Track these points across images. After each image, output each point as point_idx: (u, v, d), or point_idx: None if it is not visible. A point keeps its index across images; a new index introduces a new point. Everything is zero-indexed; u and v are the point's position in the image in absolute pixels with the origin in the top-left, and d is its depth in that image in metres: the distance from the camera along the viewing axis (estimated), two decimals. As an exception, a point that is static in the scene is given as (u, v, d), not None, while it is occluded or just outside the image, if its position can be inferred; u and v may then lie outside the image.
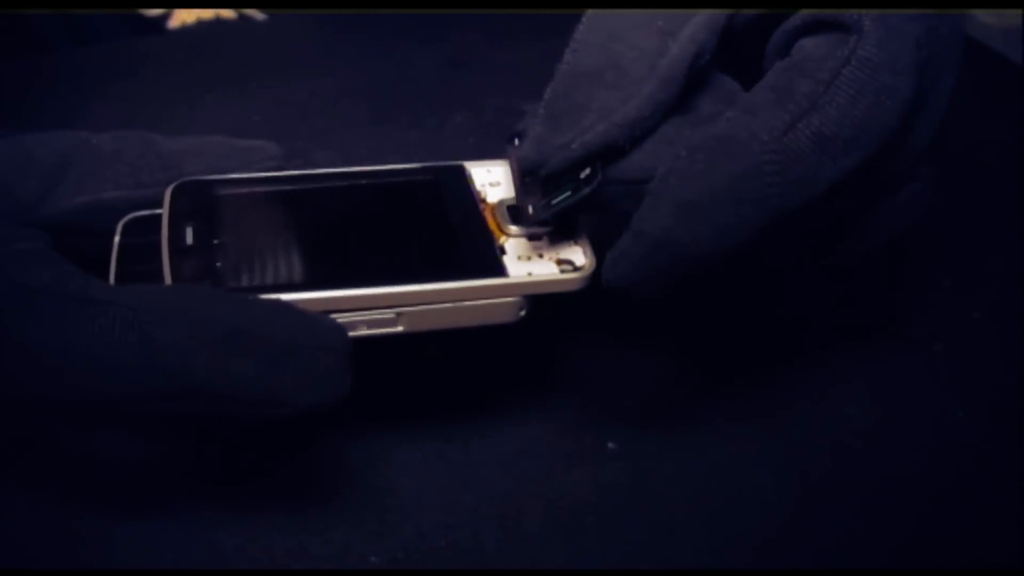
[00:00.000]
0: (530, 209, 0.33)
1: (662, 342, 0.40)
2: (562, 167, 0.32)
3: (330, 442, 0.36)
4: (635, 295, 0.31)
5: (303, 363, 0.29)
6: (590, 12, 0.33)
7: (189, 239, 0.32)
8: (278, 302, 0.30)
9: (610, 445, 0.37)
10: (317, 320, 0.29)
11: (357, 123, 0.53)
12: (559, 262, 0.33)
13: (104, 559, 0.32)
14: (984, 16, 0.69)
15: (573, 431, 0.37)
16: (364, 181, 0.35)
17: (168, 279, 0.30)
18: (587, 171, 0.32)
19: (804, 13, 0.32)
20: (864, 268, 0.45)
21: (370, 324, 0.31)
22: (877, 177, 0.32)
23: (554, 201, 0.32)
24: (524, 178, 0.33)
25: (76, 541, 0.33)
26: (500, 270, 0.32)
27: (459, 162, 0.36)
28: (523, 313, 0.32)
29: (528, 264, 0.33)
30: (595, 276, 0.32)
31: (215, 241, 0.32)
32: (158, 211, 0.33)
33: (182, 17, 0.65)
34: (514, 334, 0.33)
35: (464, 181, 0.35)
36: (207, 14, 0.65)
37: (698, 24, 0.32)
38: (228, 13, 0.65)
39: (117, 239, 0.33)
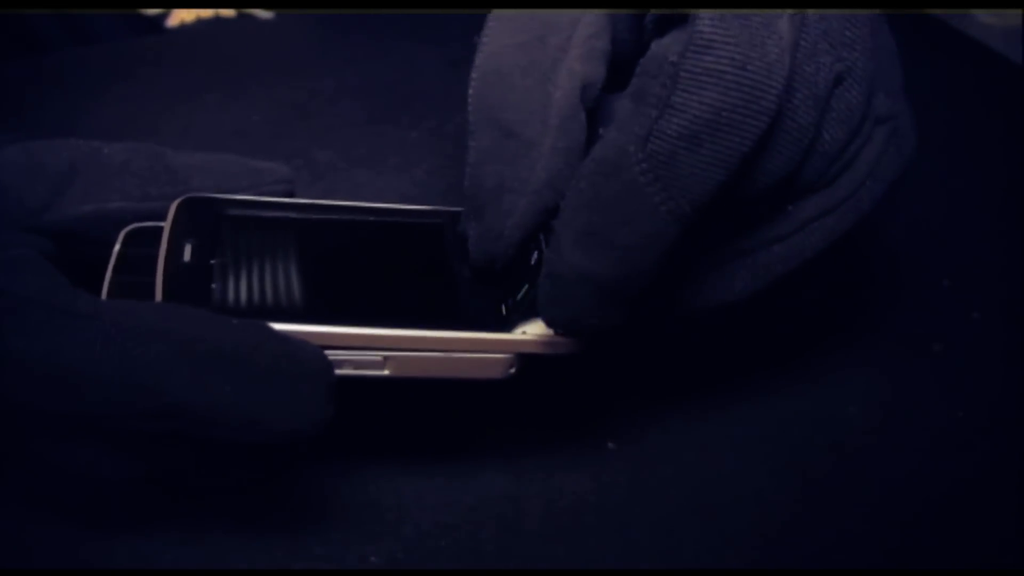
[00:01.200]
0: (503, 310, 0.32)
1: (662, 342, 0.40)
2: (509, 254, 0.32)
3: (331, 443, 0.36)
4: (579, 332, 0.31)
5: (283, 390, 0.29)
6: (471, 91, 0.33)
7: (187, 256, 0.32)
8: (263, 326, 0.29)
9: (610, 445, 0.37)
10: (301, 347, 0.29)
11: (357, 123, 0.53)
12: None
13: (103, 559, 0.32)
14: (984, 16, 0.69)
15: (573, 431, 0.37)
16: (371, 218, 0.35)
17: (159, 295, 0.30)
18: (535, 256, 0.32)
19: (652, 15, 0.31)
20: (863, 268, 0.45)
21: (356, 365, 0.31)
22: (821, 129, 0.31)
23: (518, 298, 0.32)
24: (483, 281, 0.33)
25: (74, 541, 0.33)
26: (493, 325, 0.32)
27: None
28: (513, 371, 0.32)
29: (524, 322, 0.32)
30: (591, 341, 0.32)
31: (212, 261, 0.32)
32: (161, 224, 0.33)
33: (181, 16, 0.65)
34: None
35: None
36: (206, 13, 0.65)
37: (574, 58, 0.32)
38: (227, 12, 0.65)
39: (117, 248, 0.33)
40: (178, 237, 0.32)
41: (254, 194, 0.35)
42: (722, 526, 0.34)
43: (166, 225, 0.33)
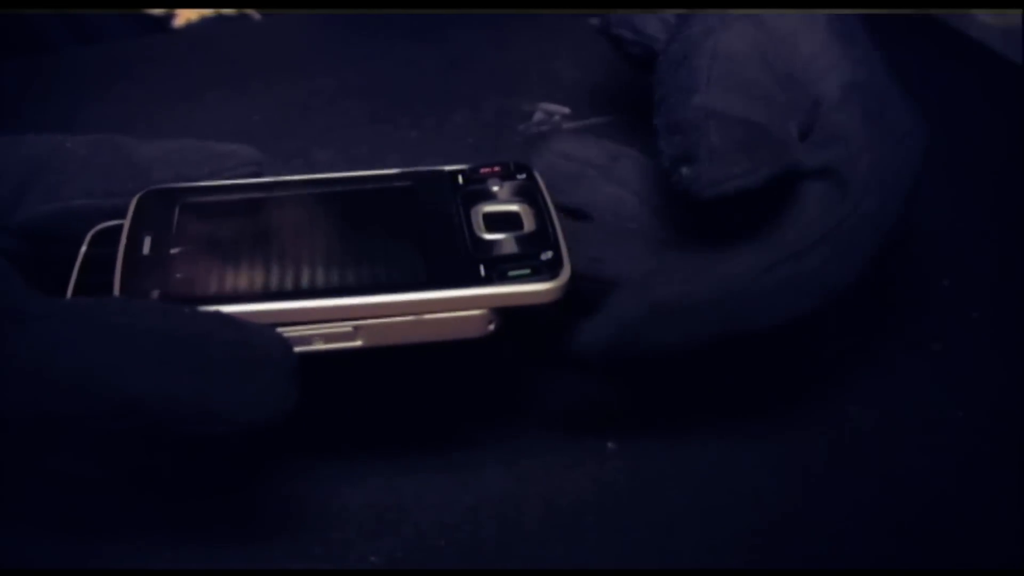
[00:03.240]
0: (482, 270, 0.31)
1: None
2: (731, 192, 0.32)
3: (329, 442, 0.36)
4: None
5: (243, 379, 0.28)
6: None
7: (146, 249, 0.31)
8: (219, 315, 0.29)
9: (610, 445, 0.37)
10: (259, 333, 0.29)
11: (357, 123, 0.53)
12: (533, 269, 0.31)
13: (103, 558, 0.32)
14: (984, 16, 0.69)
15: (573, 431, 0.37)
16: (337, 188, 0.34)
17: (117, 289, 0.30)
18: (549, 254, 0.32)
19: None
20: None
21: (327, 338, 0.30)
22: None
23: (511, 272, 0.31)
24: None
25: (72, 542, 0.33)
26: (465, 281, 0.31)
27: (441, 167, 0.35)
28: (492, 327, 0.31)
29: (503, 278, 0.31)
30: (569, 287, 0.31)
31: (172, 251, 0.31)
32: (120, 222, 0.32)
33: (187, 15, 0.65)
34: (513, 333, 0.33)
35: (445, 187, 0.34)
36: (209, 12, 0.65)
37: None
38: (230, 11, 0.66)
39: (83, 249, 0.32)
40: (138, 231, 0.32)
41: (216, 180, 0.34)
42: (722, 526, 0.34)
43: (126, 221, 0.32)
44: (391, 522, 0.34)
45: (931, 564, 0.33)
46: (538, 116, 0.53)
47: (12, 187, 0.33)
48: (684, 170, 0.32)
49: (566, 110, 0.53)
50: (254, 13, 0.65)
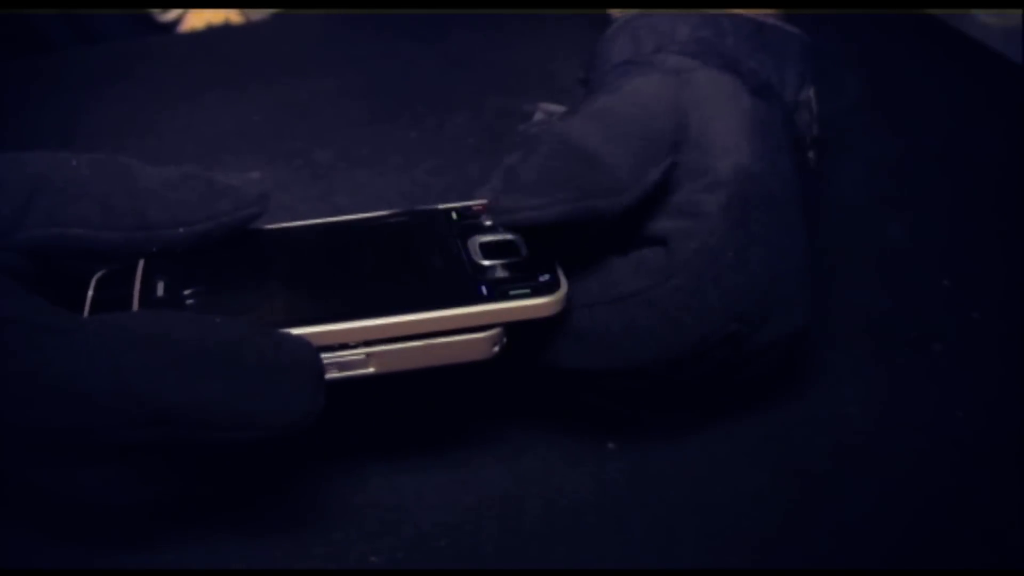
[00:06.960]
0: (484, 290, 0.32)
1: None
2: (525, 223, 0.32)
3: (331, 443, 0.36)
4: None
5: (272, 383, 0.28)
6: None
7: (160, 291, 0.32)
8: (246, 322, 0.29)
9: (610, 445, 0.37)
10: (286, 339, 0.29)
11: (357, 123, 0.53)
12: (533, 289, 0.32)
13: (102, 557, 0.32)
14: (984, 16, 0.69)
15: (573, 431, 0.37)
16: (341, 227, 0.35)
17: (136, 306, 0.30)
18: (547, 276, 0.33)
19: None
20: (864, 267, 0.45)
21: (340, 366, 0.31)
22: None
23: (511, 292, 0.32)
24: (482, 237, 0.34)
25: (71, 543, 0.33)
26: (471, 299, 0.32)
27: (435, 206, 0.36)
28: (497, 348, 0.32)
29: (504, 297, 0.32)
30: (567, 302, 0.32)
31: (185, 291, 0.32)
32: (128, 266, 0.33)
33: (192, 23, 0.65)
34: (514, 334, 0.33)
35: (440, 223, 0.35)
36: (217, 18, 0.66)
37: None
38: (237, 17, 0.66)
39: (90, 294, 0.33)
40: (151, 274, 0.32)
41: (213, 224, 0.33)
42: (722, 526, 0.34)
43: (139, 264, 0.33)
44: (391, 522, 0.34)
45: (931, 564, 0.33)
46: (538, 116, 0.53)
47: (17, 205, 0.32)
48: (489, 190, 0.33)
49: (566, 110, 0.53)
50: (260, 16, 0.66)
